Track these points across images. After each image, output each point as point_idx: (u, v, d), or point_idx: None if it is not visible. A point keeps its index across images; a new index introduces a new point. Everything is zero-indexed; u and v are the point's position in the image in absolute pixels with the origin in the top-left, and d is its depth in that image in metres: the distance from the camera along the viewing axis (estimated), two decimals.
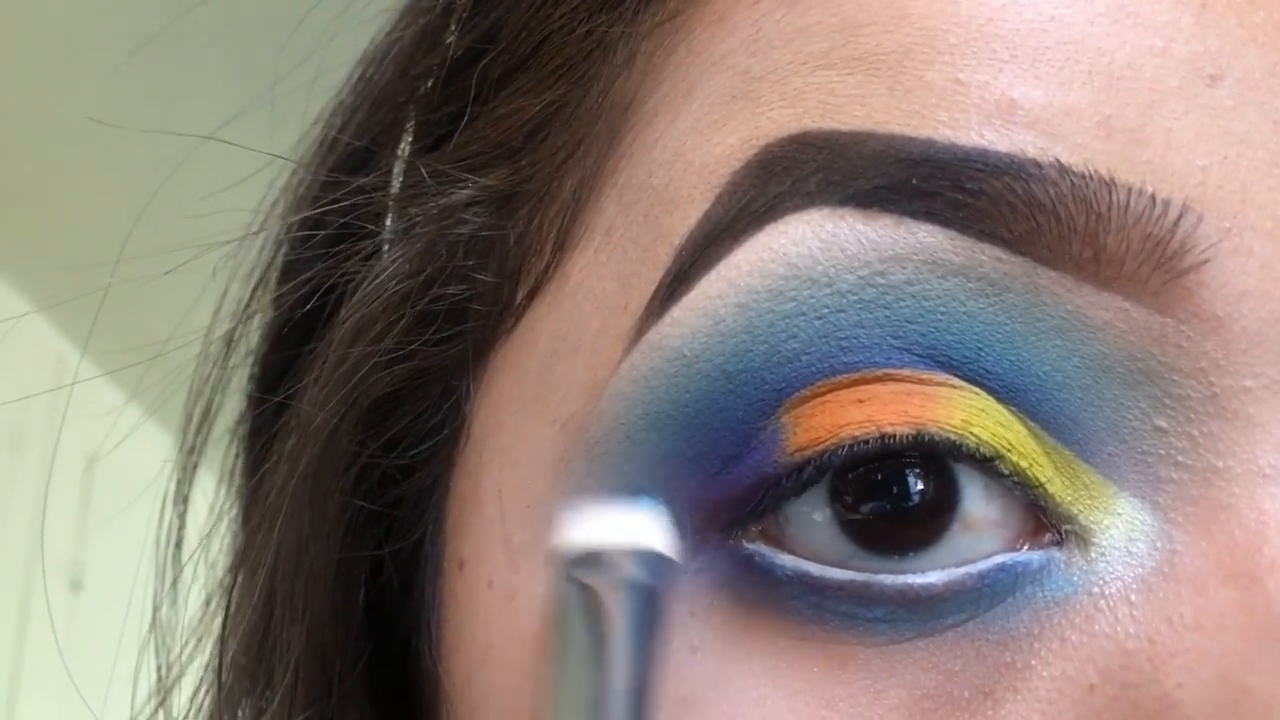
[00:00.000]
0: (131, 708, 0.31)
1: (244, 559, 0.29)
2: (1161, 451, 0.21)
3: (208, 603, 0.31)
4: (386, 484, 0.27)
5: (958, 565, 0.21)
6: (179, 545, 0.32)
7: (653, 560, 0.20)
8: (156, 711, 0.31)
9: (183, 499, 0.32)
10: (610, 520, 0.20)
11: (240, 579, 0.29)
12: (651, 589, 0.19)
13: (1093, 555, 0.21)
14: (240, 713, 0.28)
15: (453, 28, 0.28)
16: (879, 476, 0.21)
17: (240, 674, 0.28)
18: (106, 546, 1.68)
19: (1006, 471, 0.21)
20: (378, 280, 0.26)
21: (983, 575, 0.21)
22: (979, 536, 0.21)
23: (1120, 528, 0.21)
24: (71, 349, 1.64)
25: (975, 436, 0.21)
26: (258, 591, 0.27)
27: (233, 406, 0.32)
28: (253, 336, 0.31)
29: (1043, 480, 0.21)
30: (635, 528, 0.20)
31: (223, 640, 0.29)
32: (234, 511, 0.32)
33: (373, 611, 0.27)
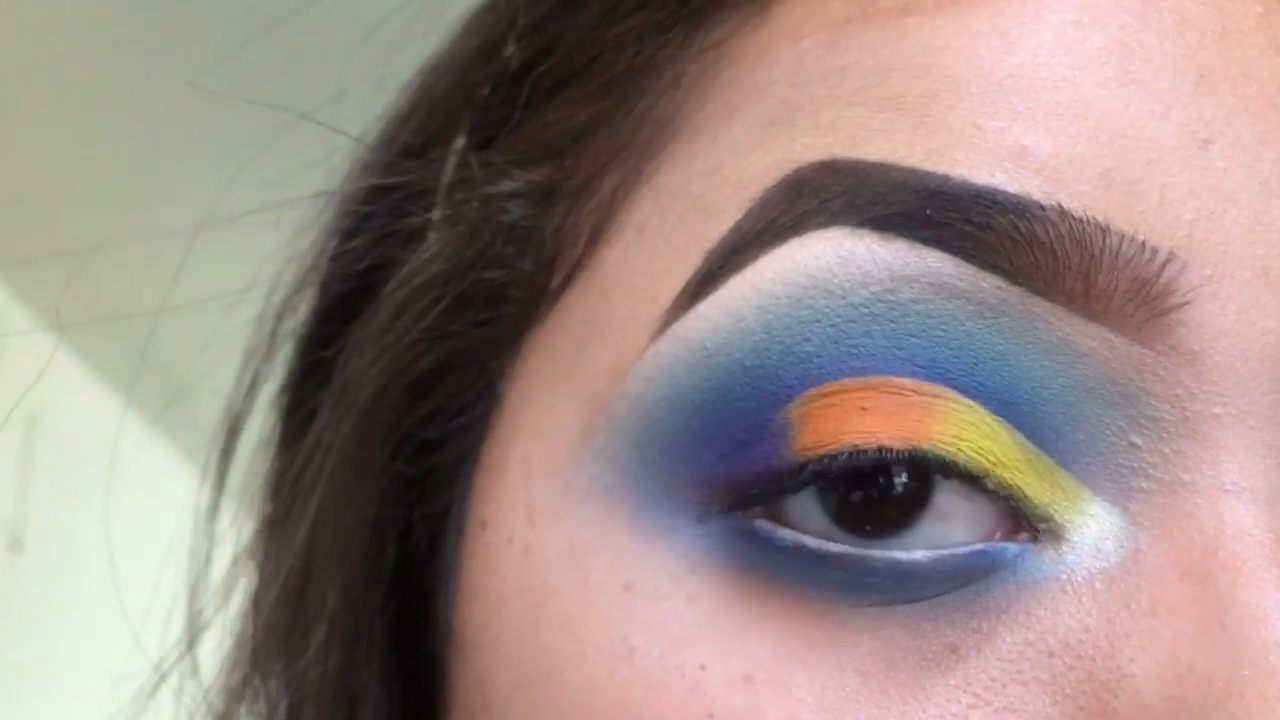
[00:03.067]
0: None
1: (279, 519, 0.31)
2: (1134, 464, 0.23)
3: (234, 562, 0.33)
4: (423, 452, 0.29)
5: (939, 548, 0.23)
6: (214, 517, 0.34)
7: None
8: (171, 666, 0.33)
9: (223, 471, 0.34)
10: None
11: (275, 538, 0.31)
12: None
13: (1064, 549, 0.23)
14: (274, 662, 0.30)
15: (510, 42, 0.30)
16: (870, 475, 0.23)
17: (277, 624, 0.30)
18: (49, 505, 1.66)
19: (991, 487, 0.23)
20: (423, 259, 0.29)
21: (963, 557, 0.23)
22: (951, 526, 0.23)
23: (1092, 527, 0.23)
24: (12, 303, 1.61)
25: (964, 453, 0.23)
26: (297, 548, 0.30)
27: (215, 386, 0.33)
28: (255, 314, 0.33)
29: (1023, 487, 0.23)
30: None
31: (256, 595, 0.31)
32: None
33: (398, 573, 0.30)
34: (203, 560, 0.34)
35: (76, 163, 1.51)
